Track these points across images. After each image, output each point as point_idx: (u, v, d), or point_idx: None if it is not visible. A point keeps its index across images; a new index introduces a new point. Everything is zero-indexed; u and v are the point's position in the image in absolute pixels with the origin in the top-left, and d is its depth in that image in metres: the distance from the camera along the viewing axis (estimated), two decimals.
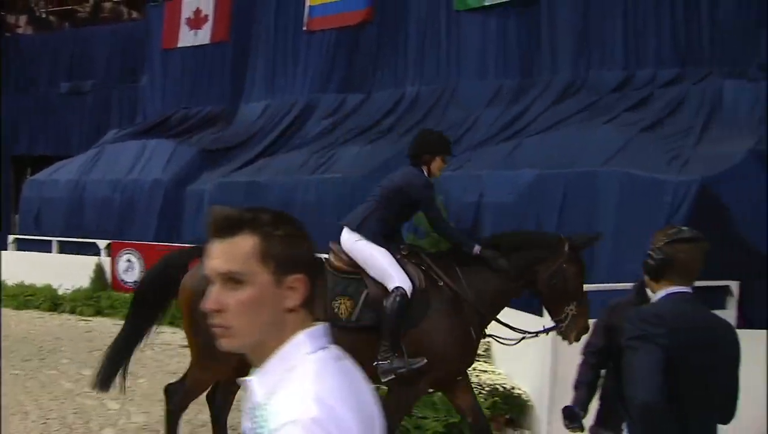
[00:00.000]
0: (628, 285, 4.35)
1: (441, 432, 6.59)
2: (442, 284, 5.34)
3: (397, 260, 5.33)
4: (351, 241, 5.43)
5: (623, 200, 8.93)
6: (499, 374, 7.43)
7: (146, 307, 5.70)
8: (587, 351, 4.10)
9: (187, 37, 18.50)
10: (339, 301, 5.27)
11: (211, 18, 18.15)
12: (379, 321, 5.15)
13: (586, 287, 5.65)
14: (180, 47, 18.61)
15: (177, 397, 5.68)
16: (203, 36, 18.26)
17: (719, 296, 8.44)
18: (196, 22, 18.39)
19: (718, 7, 11.45)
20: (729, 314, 7.78)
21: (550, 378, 6.46)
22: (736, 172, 8.94)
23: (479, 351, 8.17)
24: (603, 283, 7.59)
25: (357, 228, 5.44)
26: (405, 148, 12.51)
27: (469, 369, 7.71)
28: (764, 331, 6.31)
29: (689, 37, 11.69)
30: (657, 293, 3.23)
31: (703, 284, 8.03)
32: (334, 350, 1.68)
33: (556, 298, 5.39)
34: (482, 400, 6.93)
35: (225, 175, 14.98)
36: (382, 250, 5.35)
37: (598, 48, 12.49)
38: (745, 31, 11.21)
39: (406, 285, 5.18)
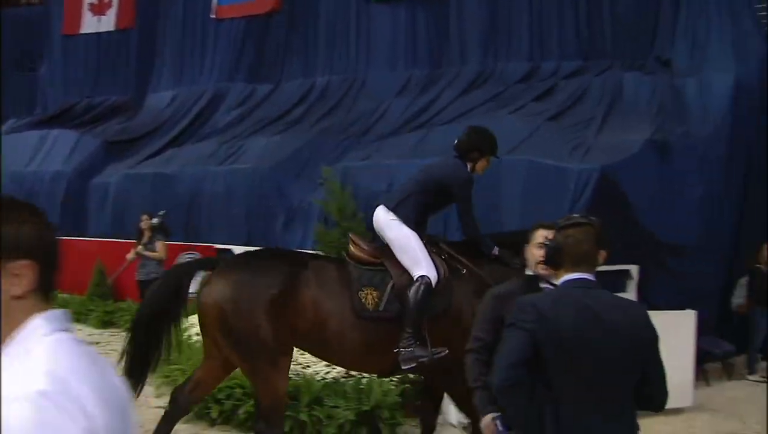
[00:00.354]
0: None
1: (353, 420, 6.57)
2: (465, 272, 5.35)
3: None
4: (386, 219, 5.41)
5: (528, 187, 9.09)
6: None
7: (156, 320, 5.36)
8: (476, 346, 3.78)
9: (90, 24, 17.91)
10: (365, 292, 5.21)
11: (115, 4, 17.62)
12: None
13: None
14: (83, 33, 17.99)
15: (183, 397, 5.43)
16: (107, 22, 17.71)
17: (620, 280, 8.66)
18: (99, 7, 17.81)
19: (618, 3, 11.82)
20: (629, 297, 8.00)
21: None
22: (635, 160, 9.30)
23: None
24: None
25: (393, 208, 5.39)
26: (315, 138, 12.79)
27: None
28: (663, 312, 6.52)
29: (591, 32, 12.02)
30: (558, 282, 3.28)
31: (603, 268, 8.34)
32: (74, 335, 1.57)
33: None
34: (393, 387, 6.96)
35: (131, 166, 14.59)
36: (415, 234, 5.33)
37: (504, 41, 12.70)
38: (643, 26, 11.60)
39: (432, 274, 5.16)
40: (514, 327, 3.10)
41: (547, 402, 3.06)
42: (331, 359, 5.75)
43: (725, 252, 10.06)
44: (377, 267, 5.33)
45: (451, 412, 7.09)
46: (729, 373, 9.85)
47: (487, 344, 3.61)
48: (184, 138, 15.17)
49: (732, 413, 8.09)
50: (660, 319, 6.31)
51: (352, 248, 5.48)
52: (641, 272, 8.81)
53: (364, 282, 5.25)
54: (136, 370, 5.28)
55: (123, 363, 5.27)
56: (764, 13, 11.15)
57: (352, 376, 7.19)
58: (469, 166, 5.64)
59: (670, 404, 3.28)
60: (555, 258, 3.25)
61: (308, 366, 7.69)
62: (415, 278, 5.14)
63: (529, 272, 3.87)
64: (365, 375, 7.15)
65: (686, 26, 10.88)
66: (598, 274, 3.24)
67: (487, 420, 3.51)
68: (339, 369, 7.29)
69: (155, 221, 10.81)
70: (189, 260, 6.03)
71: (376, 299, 5.21)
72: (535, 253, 3.87)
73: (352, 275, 5.26)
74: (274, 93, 15.09)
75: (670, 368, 3.17)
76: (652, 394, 3.16)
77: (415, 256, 5.22)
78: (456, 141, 5.72)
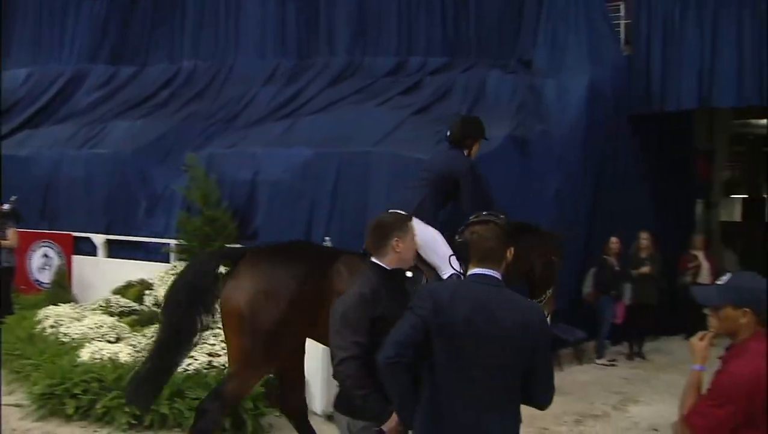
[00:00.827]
0: None
1: None
2: None
3: None
4: (431, 235, 5.53)
5: (393, 179, 9.15)
6: None
7: (181, 315, 5.16)
8: (358, 352, 3.67)
9: None
10: None
11: None
12: None
13: None
14: None
15: (214, 413, 5.06)
16: None
17: None
18: None
19: (484, 4, 12.14)
20: None
21: (323, 354, 6.53)
22: (496, 155, 9.39)
23: None
24: None
25: (416, 213, 5.21)
26: (179, 124, 12.45)
27: None
28: None
29: (457, 30, 12.30)
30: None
31: None
32: None
33: (541, 283, 6.14)
34: None
35: None
36: (439, 233, 5.53)
37: (373, 34, 12.78)
38: (507, 27, 11.98)
39: (459, 269, 5.24)
40: (411, 311, 3.23)
41: (428, 387, 3.22)
42: None
43: (579, 245, 10.40)
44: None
45: (315, 400, 7.11)
46: (580, 358, 10.34)
47: (367, 347, 3.55)
48: (40, 119, 14.36)
49: (582, 395, 8.52)
50: None
51: None
52: None
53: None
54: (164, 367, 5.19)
55: (147, 363, 5.18)
56: (619, 21, 11.73)
57: (215, 367, 7.08)
58: (465, 152, 6.03)
59: None
60: (463, 253, 3.36)
61: None
62: (446, 277, 5.31)
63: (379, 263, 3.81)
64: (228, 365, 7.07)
65: (546, 29, 11.31)
66: None
67: (392, 422, 3.53)
68: (201, 359, 7.16)
69: (6, 207, 10.25)
70: (211, 251, 5.68)
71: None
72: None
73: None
74: (138, 76, 14.54)
75: None
76: (536, 394, 3.29)
77: (444, 256, 5.38)
78: (449, 133, 6.10)
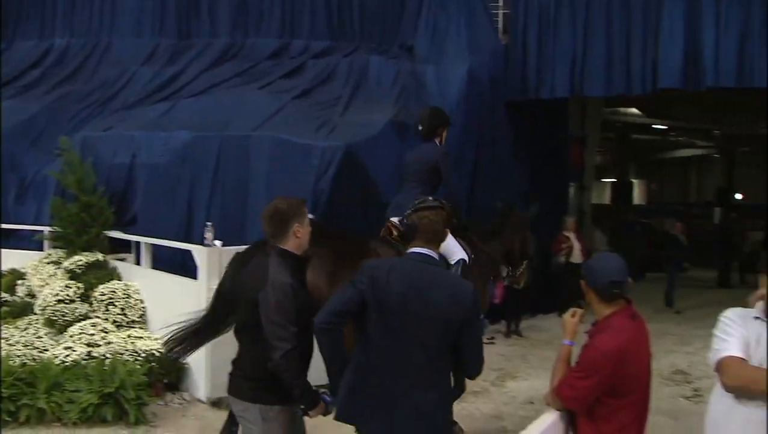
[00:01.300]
0: None
1: (96, 403, 6.36)
2: (478, 250, 6.46)
3: None
4: None
5: (274, 162, 9.14)
6: (156, 340, 7.30)
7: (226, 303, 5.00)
8: (296, 343, 3.75)
9: None
10: None
11: None
12: None
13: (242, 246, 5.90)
14: None
15: None
16: None
17: None
18: None
19: None
20: None
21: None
22: (377, 140, 9.65)
23: (135, 318, 8.08)
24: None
25: None
26: (52, 105, 11.93)
27: (125, 336, 7.58)
28: None
29: (341, 14, 12.34)
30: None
31: None
32: None
33: (521, 256, 7.13)
34: (138, 366, 6.80)
35: None
36: None
37: (255, 16, 12.62)
38: (390, 13, 12.13)
39: (465, 256, 6.00)
40: (352, 284, 3.49)
41: (361, 355, 3.48)
42: None
43: None
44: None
45: (200, 387, 7.08)
46: None
47: (298, 335, 3.61)
48: None
49: None
50: None
51: (395, 232, 6.10)
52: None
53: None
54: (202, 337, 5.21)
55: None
56: (497, 11, 12.06)
57: (94, 358, 6.94)
58: (437, 141, 6.63)
59: None
60: (409, 235, 3.66)
61: (46, 350, 7.30)
62: (454, 262, 5.93)
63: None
64: (108, 355, 6.95)
65: (428, 17, 11.54)
66: None
67: (320, 409, 3.70)
68: (80, 350, 7.00)
69: None
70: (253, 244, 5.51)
71: None
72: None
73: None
74: (5, 54, 13.83)
75: None
76: (467, 365, 3.56)
77: (450, 244, 5.87)
78: (420, 128, 6.68)
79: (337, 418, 3.57)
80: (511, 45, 11.75)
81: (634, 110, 23.33)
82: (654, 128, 26.71)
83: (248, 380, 3.76)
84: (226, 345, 4.25)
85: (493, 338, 10.76)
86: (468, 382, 8.18)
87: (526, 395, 7.94)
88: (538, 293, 11.47)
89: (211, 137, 9.69)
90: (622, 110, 22.86)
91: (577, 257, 12.20)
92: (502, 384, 8.44)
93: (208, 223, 7.72)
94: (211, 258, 7.08)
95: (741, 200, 28.98)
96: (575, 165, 14.57)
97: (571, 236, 12.52)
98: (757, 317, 3.16)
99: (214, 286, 5.53)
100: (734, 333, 3.12)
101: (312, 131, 9.67)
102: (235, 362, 3.88)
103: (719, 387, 3.16)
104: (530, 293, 11.04)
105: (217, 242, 7.39)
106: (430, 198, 3.80)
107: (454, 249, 5.99)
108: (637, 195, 33.02)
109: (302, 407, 3.73)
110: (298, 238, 3.80)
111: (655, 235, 19.30)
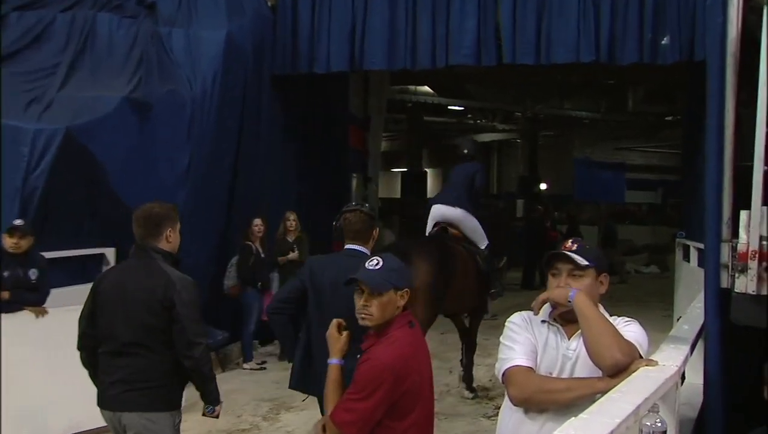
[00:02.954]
0: None
1: None
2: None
3: None
4: (455, 212, 8.32)
5: None
6: None
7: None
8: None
9: None
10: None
11: None
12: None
13: None
14: None
15: None
16: None
17: (92, 265, 8.53)
18: None
19: None
20: None
21: None
22: (110, 121, 8.59)
23: None
24: None
25: (459, 205, 8.32)
26: None
27: None
28: None
29: None
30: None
31: (75, 253, 8.38)
32: None
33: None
34: None
35: None
36: (475, 219, 8.46)
37: None
38: None
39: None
40: (296, 276, 4.79)
41: (305, 334, 4.62)
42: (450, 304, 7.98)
43: (218, 228, 9.85)
44: (469, 242, 8.37)
45: None
46: (223, 364, 9.78)
47: None
48: None
49: (226, 408, 7.75)
50: None
51: (451, 230, 8.35)
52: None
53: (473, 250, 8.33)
54: None
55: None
56: None
57: None
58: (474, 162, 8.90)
59: None
60: (338, 235, 4.66)
61: None
62: (484, 247, 8.41)
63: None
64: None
65: None
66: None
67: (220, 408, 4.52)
68: None
69: None
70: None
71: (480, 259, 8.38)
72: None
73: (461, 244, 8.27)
74: None
75: None
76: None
77: (481, 233, 8.43)
78: (465, 152, 8.79)
79: (291, 387, 4.82)
80: (279, 8, 10.79)
81: (427, 89, 23.14)
82: (450, 110, 26.80)
83: (156, 388, 4.13)
84: None
85: (264, 362, 10.02)
86: (236, 419, 7.74)
87: (304, 428, 7.33)
88: None
89: None
90: (413, 88, 22.58)
91: None
92: (275, 418, 7.92)
93: None
94: None
95: (545, 190, 29.63)
96: (357, 152, 14.06)
97: None
98: (544, 321, 3.18)
99: None
100: (520, 339, 3.14)
101: (19, 109, 8.34)
102: (123, 378, 4.14)
103: (508, 401, 3.14)
104: None
105: None
106: (353, 203, 4.89)
107: (482, 237, 8.38)
108: (432, 187, 33.20)
109: (209, 406, 4.34)
110: (169, 242, 4.31)
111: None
